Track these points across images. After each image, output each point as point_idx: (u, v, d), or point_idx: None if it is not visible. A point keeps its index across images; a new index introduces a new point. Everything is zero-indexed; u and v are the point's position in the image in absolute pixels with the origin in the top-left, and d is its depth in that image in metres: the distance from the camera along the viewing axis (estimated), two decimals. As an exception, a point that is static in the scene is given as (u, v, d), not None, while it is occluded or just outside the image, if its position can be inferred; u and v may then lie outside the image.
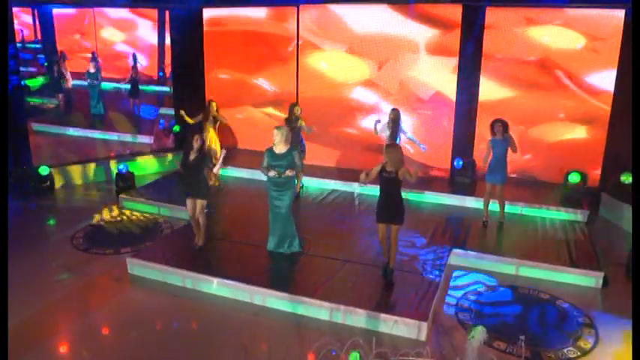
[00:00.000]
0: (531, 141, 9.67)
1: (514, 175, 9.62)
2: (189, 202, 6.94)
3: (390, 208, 6.06)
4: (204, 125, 9.34)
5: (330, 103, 10.71)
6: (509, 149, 7.70)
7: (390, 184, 5.96)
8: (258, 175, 9.75)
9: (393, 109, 8.83)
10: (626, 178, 8.37)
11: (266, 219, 6.98)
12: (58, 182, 9.89)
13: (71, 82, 14.92)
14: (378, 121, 8.80)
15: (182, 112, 9.48)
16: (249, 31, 11.19)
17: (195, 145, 6.77)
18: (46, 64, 16.65)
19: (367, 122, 10.27)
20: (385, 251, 6.33)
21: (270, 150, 6.65)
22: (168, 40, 12.69)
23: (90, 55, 15.96)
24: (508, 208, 8.23)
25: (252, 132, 11.66)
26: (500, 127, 7.68)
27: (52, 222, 8.83)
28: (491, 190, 7.94)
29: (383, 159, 6.04)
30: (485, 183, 8.00)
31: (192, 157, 6.80)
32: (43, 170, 9.52)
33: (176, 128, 11.35)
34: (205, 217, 7.04)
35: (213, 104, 9.38)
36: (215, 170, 7.20)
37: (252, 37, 11.18)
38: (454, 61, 9.55)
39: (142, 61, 15.51)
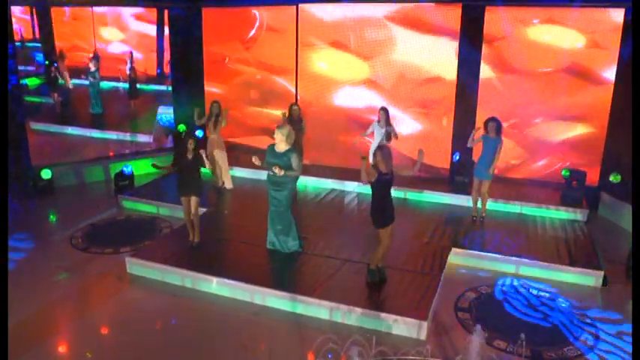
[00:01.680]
0: (531, 140, 9.66)
1: (515, 176, 9.65)
2: (184, 200, 7.00)
3: (390, 209, 6.05)
4: (206, 126, 9.27)
5: (330, 102, 10.71)
6: (498, 149, 7.66)
7: (388, 185, 5.96)
8: (258, 175, 9.79)
9: (382, 108, 8.75)
10: (615, 178, 8.41)
11: (266, 218, 6.96)
12: (57, 181, 9.85)
13: (70, 82, 14.78)
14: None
15: (197, 110, 9.39)
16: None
17: (190, 147, 6.84)
18: (47, 62, 16.57)
19: (366, 122, 10.26)
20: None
21: (271, 147, 6.65)
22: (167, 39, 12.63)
23: (87, 55, 15.88)
24: (508, 207, 8.25)
25: (251, 131, 11.65)
26: (493, 126, 7.65)
27: (52, 219, 8.82)
28: (477, 186, 7.94)
29: (361, 162, 5.74)
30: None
31: (189, 156, 6.85)
32: (46, 174, 9.48)
33: (181, 127, 11.24)
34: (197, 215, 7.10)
35: (216, 105, 9.18)
36: (208, 166, 7.19)
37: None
38: (454, 62, 9.56)
39: (139, 60, 15.34)
